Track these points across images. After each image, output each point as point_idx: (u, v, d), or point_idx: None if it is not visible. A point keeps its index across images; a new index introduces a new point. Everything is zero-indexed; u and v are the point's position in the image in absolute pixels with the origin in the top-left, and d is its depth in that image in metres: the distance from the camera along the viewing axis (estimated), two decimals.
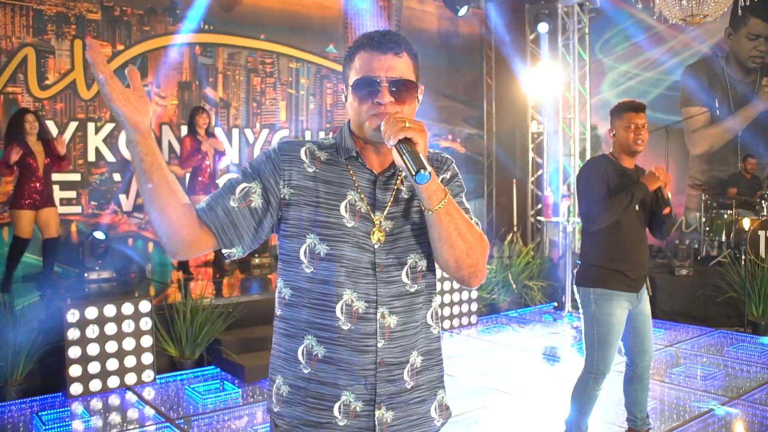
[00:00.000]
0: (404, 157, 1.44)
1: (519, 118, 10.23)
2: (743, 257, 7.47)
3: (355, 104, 1.60)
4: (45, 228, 6.28)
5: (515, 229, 9.87)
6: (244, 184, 1.60)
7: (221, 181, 7.55)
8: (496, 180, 10.69)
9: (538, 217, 9.87)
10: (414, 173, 1.43)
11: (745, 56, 9.53)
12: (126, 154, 7.55)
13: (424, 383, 1.70)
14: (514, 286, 7.82)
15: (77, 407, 4.81)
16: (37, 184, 6.20)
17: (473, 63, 10.76)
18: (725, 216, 8.47)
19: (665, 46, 9.67)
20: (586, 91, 9.41)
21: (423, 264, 1.66)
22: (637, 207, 3.53)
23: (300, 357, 1.62)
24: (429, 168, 1.43)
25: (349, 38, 9.56)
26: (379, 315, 1.59)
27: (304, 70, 9.12)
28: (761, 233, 7.75)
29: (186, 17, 8.02)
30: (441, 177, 1.70)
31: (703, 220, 8.83)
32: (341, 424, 1.59)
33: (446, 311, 7.07)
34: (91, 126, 7.54)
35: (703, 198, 8.87)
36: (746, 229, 7.69)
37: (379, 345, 1.59)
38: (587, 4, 9.38)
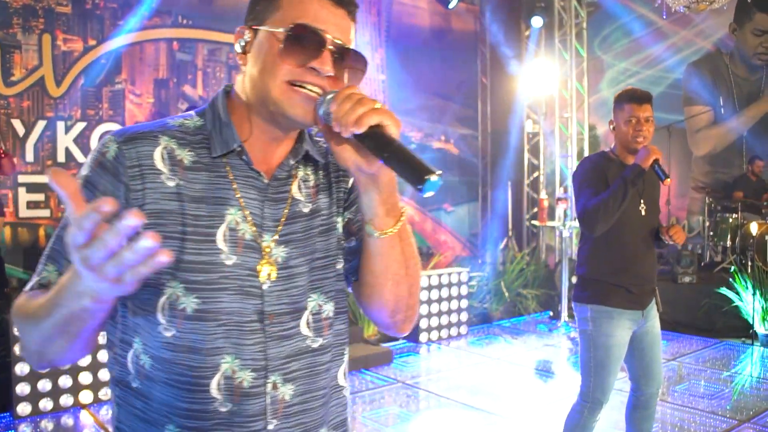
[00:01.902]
0: (390, 159, 0.99)
1: (514, 117, 9.82)
2: (750, 263, 7.05)
3: (274, 60, 1.08)
4: None
5: (510, 233, 9.45)
6: None
7: None
8: (490, 182, 10.28)
9: (533, 221, 9.45)
10: (419, 181, 0.96)
11: (751, 53, 9.12)
12: None
13: None
14: (506, 294, 7.41)
15: (25, 429, 4.42)
16: None
17: (467, 60, 10.36)
18: (730, 220, 8.06)
19: (667, 43, 9.26)
20: (584, 89, 9.00)
21: (330, 308, 1.20)
22: (643, 212, 3.09)
23: None
24: (438, 171, 1.00)
25: None
26: (269, 386, 1.12)
27: None
28: None
29: (167, 13, 7.63)
30: (351, 180, 1.25)
31: (707, 224, 8.42)
32: None
33: (434, 321, 6.66)
34: (60, 125, 7.15)
35: (707, 201, 8.47)
36: (754, 234, 7.27)
37: (270, 427, 1.12)
38: None
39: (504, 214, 9.80)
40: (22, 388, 4.59)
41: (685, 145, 9.34)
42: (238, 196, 1.13)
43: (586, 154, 8.83)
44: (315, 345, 1.18)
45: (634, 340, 3.13)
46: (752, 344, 6.42)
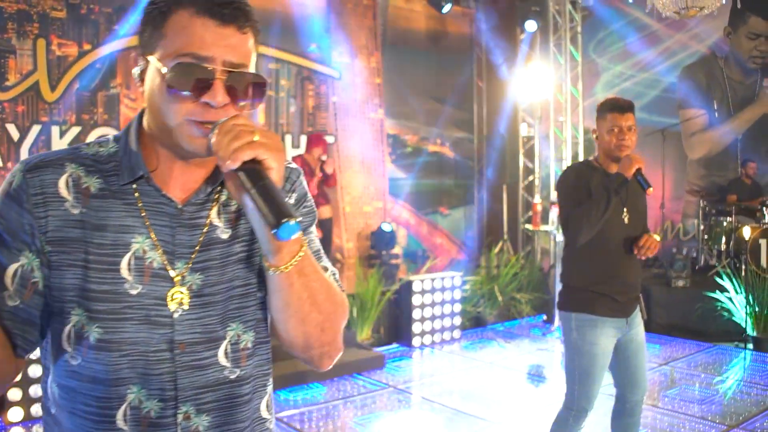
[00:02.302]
0: (254, 196, 0.95)
1: (510, 121, 9.83)
2: (743, 267, 7.05)
3: (164, 97, 1.04)
4: None
5: (505, 237, 9.46)
6: (14, 266, 1.06)
7: None
8: (486, 186, 10.29)
9: (527, 225, 9.45)
10: (274, 225, 0.92)
11: (745, 56, 9.12)
12: None
13: None
14: (500, 298, 7.41)
15: None
16: None
17: (463, 64, 10.37)
18: (724, 224, 8.06)
19: (662, 46, 9.26)
20: (579, 93, 9.00)
21: (249, 338, 1.15)
22: (626, 220, 3.08)
23: None
24: (297, 216, 0.95)
25: (333, 38, 9.18)
26: (180, 417, 1.08)
27: (285, 71, 8.74)
28: (762, 242, 7.33)
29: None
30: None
31: (701, 227, 8.42)
32: None
33: (427, 326, 6.66)
34: (55, 129, 7.15)
35: (702, 204, 8.47)
36: (746, 238, 7.27)
37: None
38: (579, 2, 8.98)
39: (499, 218, 9.81)
40: (14, 394, 4.60)
41: (680, 149, 9.34)
42: (147, 223, 1.10)
43: (581, 158, 8.83)
44: (233, 376, 1.14)
45: (619, 348, 3.13)
46: (745, 348, 6.43)
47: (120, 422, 1.06)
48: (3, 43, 6.84)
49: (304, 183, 1.24)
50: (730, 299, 6.67)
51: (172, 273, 1.09)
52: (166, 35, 1.04)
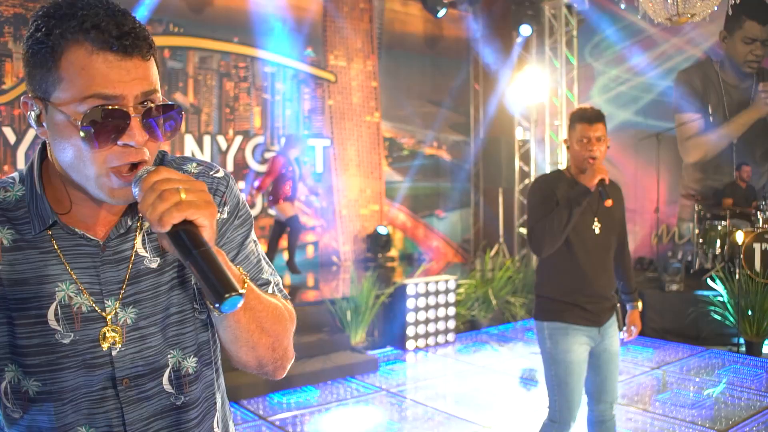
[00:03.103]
0: (191, 266, 0.90)
1: (505, 124, 9.85)
2: (737, 271, 7.07)
3: (78, 149, 0.96)
4: None
5: (501, 240, 9.48)
6: None
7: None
8: (482, 189, 10.31)
9: (522, 229, 9.48)
10: (216, 301, 0.88)
11: (741, 61, 9.14)
12: None
13: None
14: (494, 301, 7.43)
15: None
16: None
17: (459, 68, 10.41)
18: (719, 228, 8.08)
19: (657, 50, 9.28)
20: (575, 96, 9.04)
21: (191, 363, 1.13)
22: (597, 230, 3.08)
23: None
24: (241, 288, 0.91)
25: (329, 41, 9.21)
26: None
27: (281, 74, 8.76)
28: (756, 246, 7.35)
29: (158, 21, 7.68)
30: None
31: (697, 231, 8.44)
32: None
33: (421, 329, 6.68)
34: None
35: (697, 208, 8.49)
36: (739, 242, 7.29)
37: None
38: (575, 6, 9.00)
39: (495, 221, 9.83)
40: None
41: (675, 153, 9.36)
42: (68, 268, 1.04)
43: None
44: (178, 402, 1.12)
45: (592, 357, 3.13)
46: (737, 352, 6.45)
47: None
48: (0, 47, 6.86)
49: (236, 189, 1.19)
50: (723, 303, 6.69)
51: (103, 313, 1.06)
52: (64, 78, 0.95)
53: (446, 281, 6.88)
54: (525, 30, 8.84)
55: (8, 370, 1.03)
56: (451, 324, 6.93)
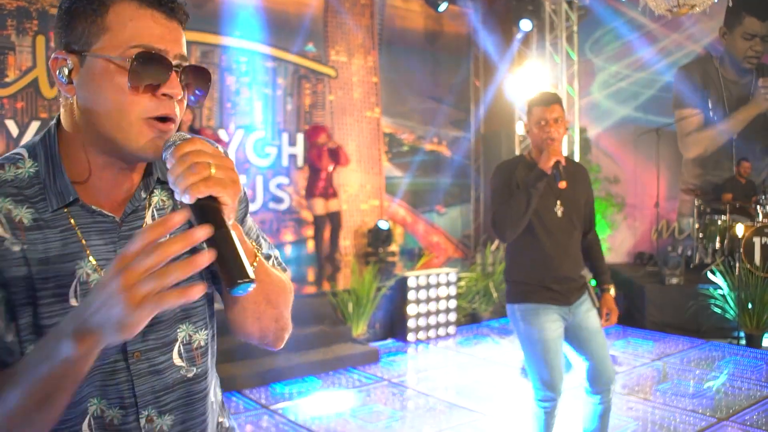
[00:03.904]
0: (211, 247, 0.88)
1: (506, 120, 9.87)
2: (737, 265, 7.10)
3: (121, 93, 0.98)
4: None
5: None
6: None
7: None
8: (482, 184, 10.33)
9: None
10: (229, 285, 0.89)
11: (741, 56, 9.18)
12: None
13: None
14: (495, 295, 7.45)
15: None
16: None
17: (459, 63, 10.42)
18: (719, 222, 8.11)
19: (658, 46, 9.31)
20: (575, 92, 9.05)
21: (201, 337, 1.16)
22: (559, 213, 3.12)
23: None
24: (251, 275, 0.89)
25: (330, 37, 9.23)
26: (143, 420, 1.09)
27: (282, 69, 8.78)
28: (756, 240, 7.38)
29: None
30: None
31: (697, 226, 8.47)
32: None
33: (422, 322, 6.70)
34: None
35: (697, 203, 8.51)
36: (739, 236, 7.32)
37: None
38: (575, 1, 9.03)
39: None
40: None
41: (675, 148, 9.39)
42: (85, 245, 1.05)
43: (577, 156, 8.88)
44: (189, 375, 1.15)
45: (570, 337, 3.17)
46: (737, 344, 6.47)
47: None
48: (2, 40, 6.88)
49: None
50: (723, 296, 6.71)
51: None
52: (110, 28, 0.98)
53: (447, 274, 6.90)
54: (525, 25, 8.86)
55: (32, 346, 1.04)
56: (452, 317, 6.96)
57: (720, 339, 6.69)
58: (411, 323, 6.62)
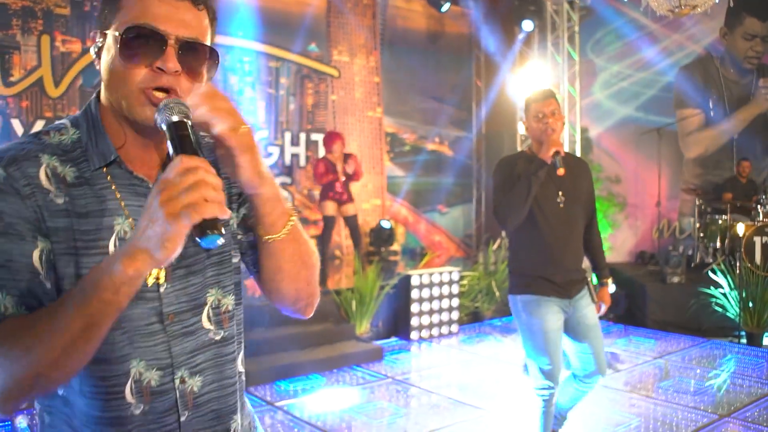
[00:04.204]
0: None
1: (507, 119, 9.91)
2: (738, 264, 7.15)
3: (119, 67, 1.07)
4: None
5: (503, 234, 9.53)
6: (36, 251, 1.06)
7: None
8: (484, 184, 10.37)
9: None
10: (198, 235, 0.93)
11: (741, 57, 9.23)
12: None
13: None
14: (497, 294, 7.49)
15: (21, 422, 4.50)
16: None
17: (461, 63, 10.46)
18: (720, 221, 8.16)
19: (659, 46, 9.36)
20: (576, 92, 9.10)
21: (230, 301, 1.24)
22: (561, 204, 3.21)
23: None
24: (289, 219, 1.07)
25: (332, 37, 9.27)
26: (177, 381, 1.16)
27: (284, 69, 8.82)
28: (756, 239, 7.43)
29: None
30: None
31: (697, 225, 8.51)
32: None
33: (425, 320, 6.74)
34: None
35: (697, 203, 8.56)
36: (740, 235, 7.36)
37: (182, 419, 1.17)
38: (577, 2, 9.07)
39: None
40: None
41: (676, 148, 9.43)
42: (123, 205, 1.13)
43: (578, 156, 8.92)
44: (218, 337, 1.22)
45: (570, 331, 3.27)
46: (738, 343, 6.52)
47: (128, 396, 1.12)
48: (7, 39, 6.92)
49: None
50: (724, 295, 6.75)
51: None
52: (122, 8, 1.08)
53: (450, 272, 6.94)
54: (527, 25, 8.91)
55: None
56: (455, 315, 7.00)
57: (721, 337, 6.73)
58: (414, 321, 6.66)
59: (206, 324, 1.20)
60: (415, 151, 10.05)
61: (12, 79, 6.98)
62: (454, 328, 6.98)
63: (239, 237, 1.28)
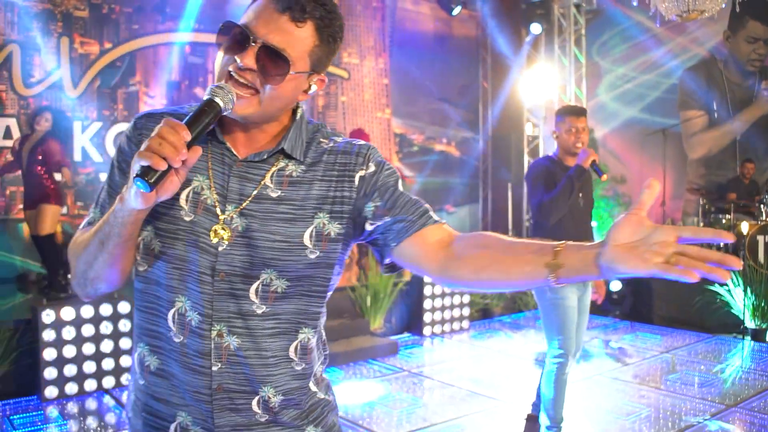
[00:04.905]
0: None
1: (514, 121, 10.08)
2: (742, 262, 7.30)
3: (219, 53, 1.27)
4: (34, 225, 6.23)
5: (510, 233, 9.70)
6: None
7: None
8: (491, 184, 10.54)
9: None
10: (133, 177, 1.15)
11: (744, 59, 9.39)
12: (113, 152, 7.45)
13: (290, 422, 1.40)
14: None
15: (52, 411, 4.66)
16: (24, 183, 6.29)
17: (469, 65, 10.62)
18: (723, 221, 8.32)
19: (663, 49, 9.53)
20: (583, 93, 9.27)
21: (280, 285, 1.33)
22: (581, 203, 3.82)
23: (136, 366, 1.40)
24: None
25: (342, 38, 9.43)
26: (214, 333, 1.31)
27: None
28: (760, 238, 7.59)
29: (180, 17, 7.91)
30: (358, 175, 1.35)
31: (701, 224, 8.67)
32: None
33: (437, 316, 6.91)
34: (77, 125, 7.39)
35: (701, 202, 8.73)
36: (744, 233, 7.53)
37: (215, 368, 1.31)
38: (584, 5, 9.25)
39: (504, 215, 10.05)
40: (49, 373, 4.83)
41: (680, 149, 9.60)
42: (209, 166, 1.32)
43: None
44: (259, 311, 1.32)
45: None
46: (743, 339, 6.68)
47: (170, 322, 1.32)
48: (28, 41, 7.07)
49: (378, 152, 1.40)
50: (729, 292, 6.92)
51: (218, 212, 1.30)
52: (245, 12, 1.28)
53: None
54: (535, 29, 9.08)
55: (145, 230, 1.31)
56: (466, 311, 7.17)
57: (726, 333, 6.90)
58: (427, 317, 6.83)
59: (252, 296, 1.31)
60: (423, 151, 10.22)
61: (33, 80, 7.13)
62: (465, 324, 7.15)
63: (331, 234, 1.36)
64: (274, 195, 1.32)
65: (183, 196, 1.30)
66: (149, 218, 1.29)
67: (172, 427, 1.35)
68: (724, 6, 5.38)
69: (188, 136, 1.13)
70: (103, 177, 5.70)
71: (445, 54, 10.39)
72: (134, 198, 1.14)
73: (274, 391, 1.35)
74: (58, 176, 6.44)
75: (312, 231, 1.34)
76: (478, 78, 10.66)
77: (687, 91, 9.56)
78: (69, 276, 6.16)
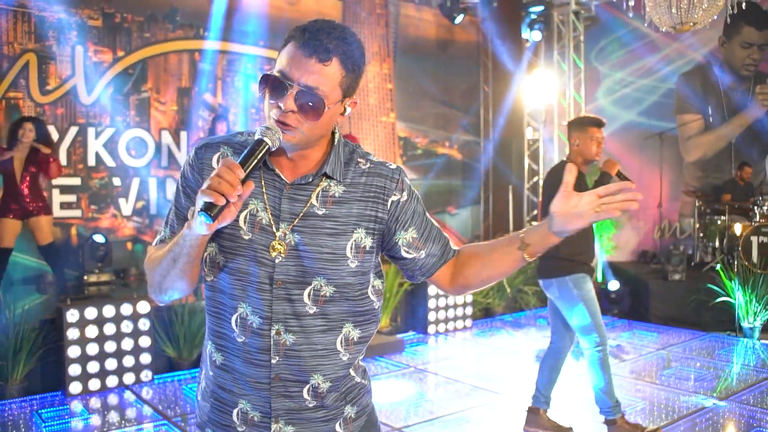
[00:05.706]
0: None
1: (515, 125, 10.32)
2: (736, 262, 7.55)
3: (265, 100, 1.47)
4: (36, 235, 6.39)
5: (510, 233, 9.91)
6: (192, 209, 1.52)
7: None
8: (492, 187, 10.77)
9: (533, 223, 9.93)
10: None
11: (739, 64, 9.62)
12: (127, 160, 7.70)
13: (332, 405, 1.63)
14: (508, 290, 7.90)
15: (76, 405, 4.89)
16: (18, 194, 6.25)
17: (470, 70, 10.87)
18: (718, 222, 8.56)
19: (660, 54, 9.77)
20: (581, 98, 9.51)
21: (329, 290, 1.55)
22: None
23: (206, 359, 1.65)
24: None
25: (365, 62, 9.65)
26: (273, 332, 1.53)
27: None
28: (753, 239, 7.83)
29: (190, 26, 8.14)
30: (391, 200, 1.59)
31: (697, 226, 8.91)
32: (240, 430, 1.59)
33: (441, 315, 7.15)
34: (91, 131, 7.61)
35: (697, 204, 8.95)
36: (738, 235, 7.77)
37: (273, 361, 1.54)
38: (582, 12, 9.49)
39: (505, 217, 10.29)
40: (74, 370, 5.07)
41: (677, 152, 9.84)
42: (263, 191, 1.53)
43: None
44: (311, 312, 1.54)
45: None
46: (737, 336, 6.92)
47: (233, 325, 1.55)
48: (44, 50, 7.31)
49: (405, 177, 1.63)
50: (723, 292, 7.14)
51: (274, 229, 1.52)
52: (280, 57, 1.47)
53: None
54: (535, 35, 9.32)
55: (210, 246, 1.54)
56: (468, 310, 7.41)
57: (720, 331, 7.13)
58: (431, 316, 7.07)
59: (305, 299, 1.53)
60: (426, 154, 10.45)
61: (48, 87, 7.36)
62: (468, 322, 7.39)
63: (367, 247, 1.59)
64: (320, 213, 1.53)
65: (241, 217, 1.51)
66: (214, 237, 1.51)
67: (234, 411, 1.59)
68: (716, 18, 5.61)
69: (242, 174, 1.33)
70: (117, 182, 5.96)
71: (448, 59, 10.63)
72: (199, 226, 1.36)
73: (323, 379, 1.59)
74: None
75: (352, 244, 1.57)
76: (479, 83, 10.90)
77: (683, 96, 9.79)
78: (85, 277, 6.42)
